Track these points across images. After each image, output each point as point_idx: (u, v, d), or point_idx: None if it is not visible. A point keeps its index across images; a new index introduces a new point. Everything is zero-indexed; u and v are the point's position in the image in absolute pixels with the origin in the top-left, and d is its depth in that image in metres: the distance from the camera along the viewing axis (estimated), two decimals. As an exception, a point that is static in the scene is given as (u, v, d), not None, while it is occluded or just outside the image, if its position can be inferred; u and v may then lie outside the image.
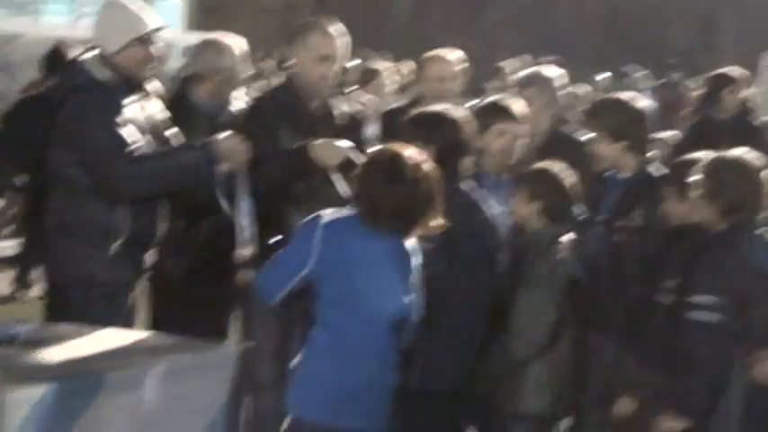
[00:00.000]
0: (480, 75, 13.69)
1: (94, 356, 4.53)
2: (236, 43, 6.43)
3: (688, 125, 9.96)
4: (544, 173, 5.39)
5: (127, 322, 5.50)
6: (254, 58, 17.14)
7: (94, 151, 5.38)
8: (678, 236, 5.28)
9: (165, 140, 5.71)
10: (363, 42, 13.10)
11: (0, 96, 12.14)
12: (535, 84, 6.73)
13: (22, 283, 10.72)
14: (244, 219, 5.99)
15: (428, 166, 4.55)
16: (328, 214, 4.64)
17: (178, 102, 6.24)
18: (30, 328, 4.77)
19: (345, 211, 4.69)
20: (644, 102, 5.98)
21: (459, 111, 5.53)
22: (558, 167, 5.34)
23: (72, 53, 8.22)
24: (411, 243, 4.64)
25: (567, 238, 5.35)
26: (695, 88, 14.39)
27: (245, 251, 6.01)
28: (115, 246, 5.45)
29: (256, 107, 6.04)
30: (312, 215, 4.71)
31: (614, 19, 26.25)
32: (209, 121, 6.15)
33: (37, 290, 10.64)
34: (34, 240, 10.78)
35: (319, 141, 5.66)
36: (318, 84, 5.95)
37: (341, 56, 6.07)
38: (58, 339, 4.73)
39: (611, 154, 5.64)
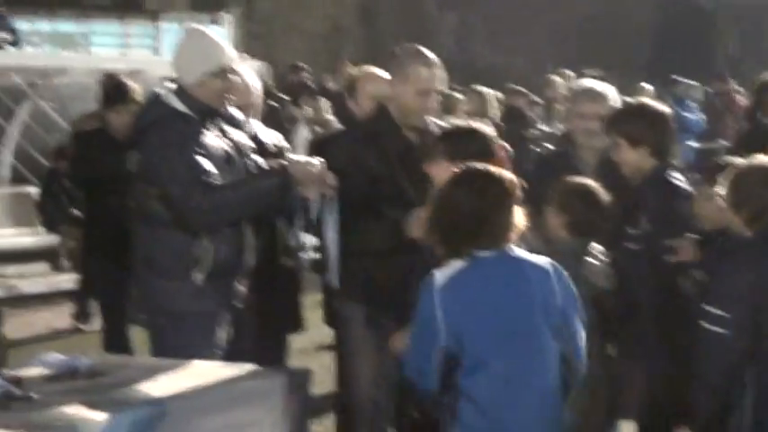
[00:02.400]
0: (529, 88, 13.69)
1: (154, 387, 4.54)
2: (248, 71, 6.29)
3: (739, 132, 9.91)
4: (576, 186, 5.34)
5: (216, 351, 5.52)
6: (303, 78, 17.30)
7: (175, 184, 5.35)
8: (709, 238, 5.26)
9: (251, 167, 5.67)
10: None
11: (52, 128, 12.31)
12: (589, 96, 6.61)
13: (83, 315, 10.83)
14: (331, 244, 5.72)
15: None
16: (439, 272, 4.32)
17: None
18: (90, 360, 4.79)
19: (457, 264, 4.33)
20: (664, 107, 5.91)
21: None
22: (592, 184, 5.28)
23: (126, 84, 8.33)
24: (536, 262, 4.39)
25: (597, 250, 5.29)
26: (745, 95, 14.32)
27: (333, 279, 5.81)
28: (199, 277, 5.44)
29: (344, 133, 5.83)
30: (426, 278, 4.36)
31: (662, 28, 26.10)
32: None
33: (97, 323, 10.79)
34: (91, 273, 10.90)
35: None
36: (419, 116, 5.81)
37: (439, 86, 5.95)
38: (120, 371, 4.76)
39: (632, 160, 5.60)
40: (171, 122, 5.45)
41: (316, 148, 6.99)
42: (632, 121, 5.62)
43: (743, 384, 4.66)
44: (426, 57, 5.82)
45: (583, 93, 6.61)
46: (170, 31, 19.38)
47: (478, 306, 4.27)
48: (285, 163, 5.56)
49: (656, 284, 5.32)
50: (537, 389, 4.27)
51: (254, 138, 6.01)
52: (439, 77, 5.87)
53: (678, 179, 5.61)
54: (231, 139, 5.65)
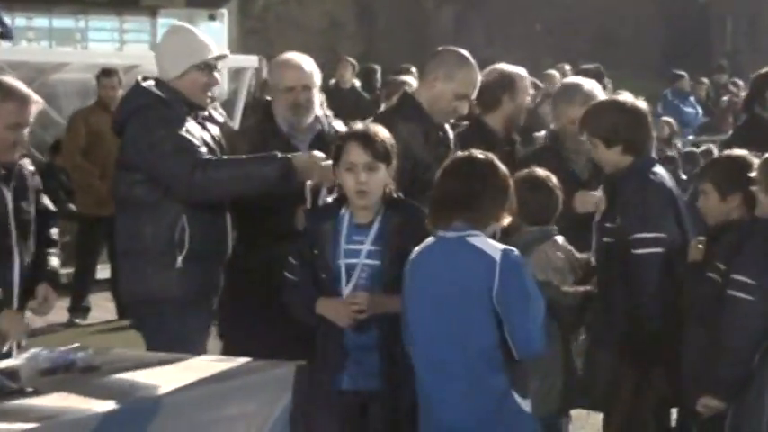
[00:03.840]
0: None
1: (149, 381, 4.55)
2: (303, 60, 6.13)
3: (737, 124, 9.92)
4: (523, 175, 5.37)
5: (201, 337, 5.57)
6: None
7: (163, 159, 5.38)
8: (718, 233, 5.26)
9: None
10: (410, 57, 13.13)
11: (49, 124, 12.31)
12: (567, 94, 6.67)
13: (78, 309, 10.84)
14: None
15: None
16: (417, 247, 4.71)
17: (267, 122, 6.10)
18: (86, 354, 4.78)
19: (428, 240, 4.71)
20: (640, 102, 5.87)
21: None
22: (540, 172, 5.29)
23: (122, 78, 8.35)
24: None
25: (559, 241, 5.40)
26: (742, 88, 14.35)
27: None
28: (180, 260, 5.45)
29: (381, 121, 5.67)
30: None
31: (661, 23, 26.14)
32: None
33: (93, 317, 10.80)
34: (86, 267, 10.92)
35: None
36: (447, 115, 6.02)
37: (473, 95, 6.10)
38: (115, 365, 4.77)
39: (610, 159, 5.60)
40: (154, 107, 5.49)
41: None
42: (604, 121, 5.60)
43: (764, 350, 4.79)
44: (474, 66, 5.95)
45: (572, 94, 6.61)
46: (166, 27, 19.40)
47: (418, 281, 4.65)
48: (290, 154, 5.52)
49: (623, 279, 5.34)
50: (459, 359, 4.50)
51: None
52: (476, 87, 6.00)
53: (658, 173, 5.60)
54: (210, 133, 5.69)
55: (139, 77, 5.84)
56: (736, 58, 24.90)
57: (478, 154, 4.70)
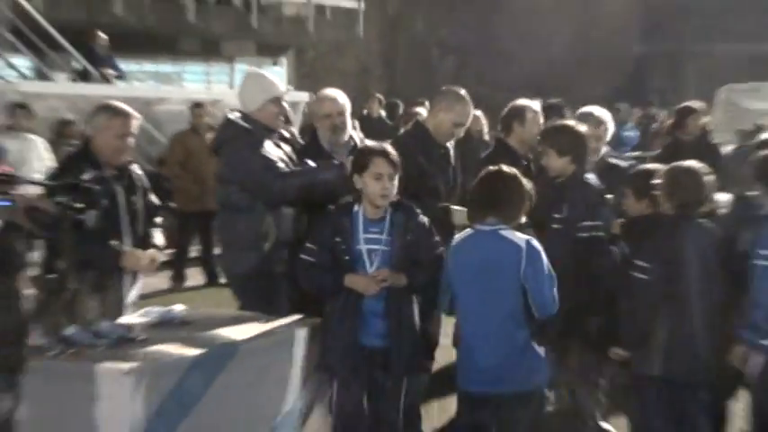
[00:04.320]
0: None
1: (228, 333, 4.58)
2: (337, 94, 6.08)
3: (663, 145, 9.90)
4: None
5: (277, 299, 5.47)
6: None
7: (252, 174, 5.36)
8: (633, 223, 5.27)
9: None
10: (422, 93, 13.09)
11: (153, 142, 12.35)
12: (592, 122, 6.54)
13: (177, 278, 10.90)
14: None
15: None
16: (457, 236, 4.77)
17: (313, 143, 6.07)
18: (183, 312, 4.85)
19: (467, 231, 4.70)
20: (583, 126, 5.85)
21: None
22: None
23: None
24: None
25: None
26: (668, 117, 14.24)
27: None
28: (266, 246, 5.44)
29: (397, 143, 5.55)
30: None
31: (608, 67, 26.04)
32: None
33: (189, 284, 10.85)
34: (183, 248, 10.99)
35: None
36: (447, 137, 5.95)
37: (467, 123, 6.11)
38: (203, 320, 4.82)
39: (559, 166, 5.56)
40: (241, 136, 5.47)
41: None
42: (560, 137, 5.58)
43: (660, 316, 4.74)
44: (468, 100, 5.92)
45: (584, 119, 6.48)
46: (241, 71, 19.43)
47: (462, 261, 4.63)
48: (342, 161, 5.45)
49: (572, 256, 5.27)
50: (494, 318, 4.53)
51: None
52: (470, 117, 6.01)
53: (591, 179, 5.58)
54: (284, 150, 5.67)
55: (227, 111, 5.83)
56: (663, 94, 24.74)
57: (505, 168, 4.70)
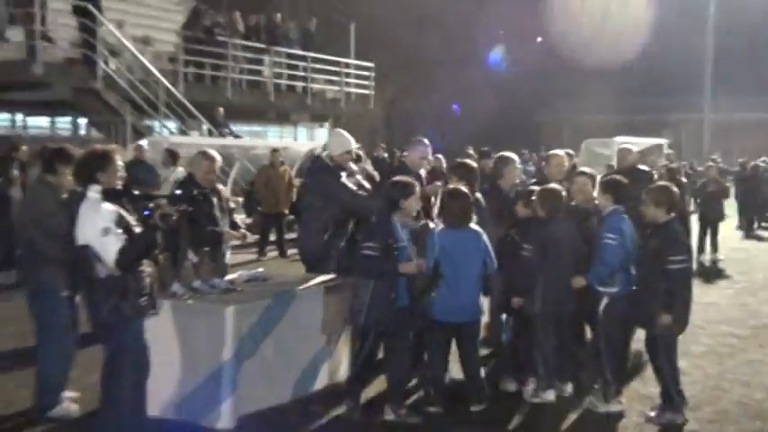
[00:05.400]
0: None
1: (294, 284, 4.50)
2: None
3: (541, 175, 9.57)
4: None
5: (329, 267, 5.02)
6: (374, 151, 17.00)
7: (336, 197, 5.04)
8: (527, 221, 4.83)
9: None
10: (406, 145, 12.91)
11: (247, 174, 12.30)
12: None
13: (261, 253, 10.78)
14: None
15: None
16: (437, 230, 4.38)
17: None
18: (265, 273, 4.79)
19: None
20: (473, 163, 5.41)
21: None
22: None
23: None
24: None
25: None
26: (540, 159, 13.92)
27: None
28: (326, 236, 5.05)
29: (393, 173, 5.16)
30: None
31: (517, 127, 26.05)
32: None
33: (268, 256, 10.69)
34: (265, 235, 10.86)
35: None
36: (417, 168, 5.36)
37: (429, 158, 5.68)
38: (278, 278, 4.77)
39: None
40: (325, 170, 5.16)
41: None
42: (461, 170, 5.20)
43: (537, 281, 4.53)
44: (427, 145, 5.52)
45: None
46: (302, 131, 19.45)
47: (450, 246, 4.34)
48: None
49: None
50: (469, 278, 4.37)
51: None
52: (429, 154, 5.64)
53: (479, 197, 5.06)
54: (355, 179, 5.38)
55: (316, 151, 5.44)
56: (549, 145, 24.68)
57: (479, 196, 4.62)
